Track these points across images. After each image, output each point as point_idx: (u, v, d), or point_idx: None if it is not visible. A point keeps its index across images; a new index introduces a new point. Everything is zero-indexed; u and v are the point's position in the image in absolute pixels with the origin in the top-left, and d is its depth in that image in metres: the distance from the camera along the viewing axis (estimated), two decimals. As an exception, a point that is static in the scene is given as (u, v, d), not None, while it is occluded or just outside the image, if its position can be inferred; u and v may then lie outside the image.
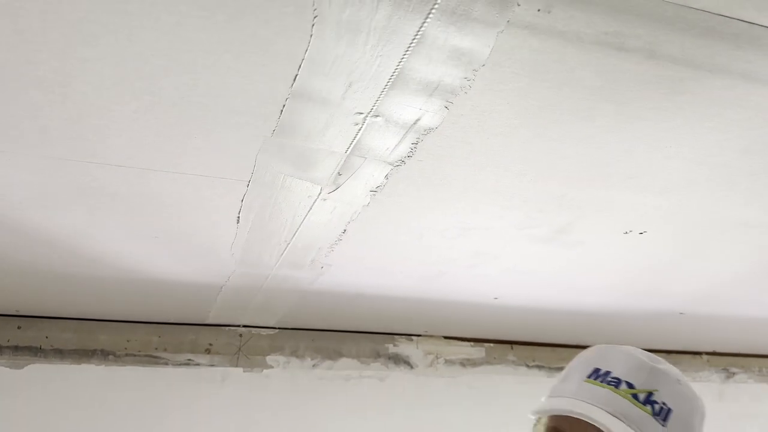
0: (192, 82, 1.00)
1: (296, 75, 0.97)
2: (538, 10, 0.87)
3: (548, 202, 1.43)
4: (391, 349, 2.56)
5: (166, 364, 2.27)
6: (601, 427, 0.94)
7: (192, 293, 1.97)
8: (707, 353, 3.13)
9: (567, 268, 1.85)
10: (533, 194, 1.39)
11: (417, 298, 2.10)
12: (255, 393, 2.35)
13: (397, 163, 1.22)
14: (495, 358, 2.71)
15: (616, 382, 1.00)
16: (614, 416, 0.96)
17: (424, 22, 0.88)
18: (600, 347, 1.08)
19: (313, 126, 1.09)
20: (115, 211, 1.42)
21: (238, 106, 1.05)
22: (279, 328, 2.43)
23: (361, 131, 1.11)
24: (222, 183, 1.29)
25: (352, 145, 1.16)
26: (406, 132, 1.12)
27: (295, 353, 2.42)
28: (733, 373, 3.17)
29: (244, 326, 2.39)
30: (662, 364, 1.04)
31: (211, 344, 2.33)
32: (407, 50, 0.93)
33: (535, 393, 1.10)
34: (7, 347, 2.12)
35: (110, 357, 2.22)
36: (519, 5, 0.86)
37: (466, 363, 2.66)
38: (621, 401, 0.98)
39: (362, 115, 1.06)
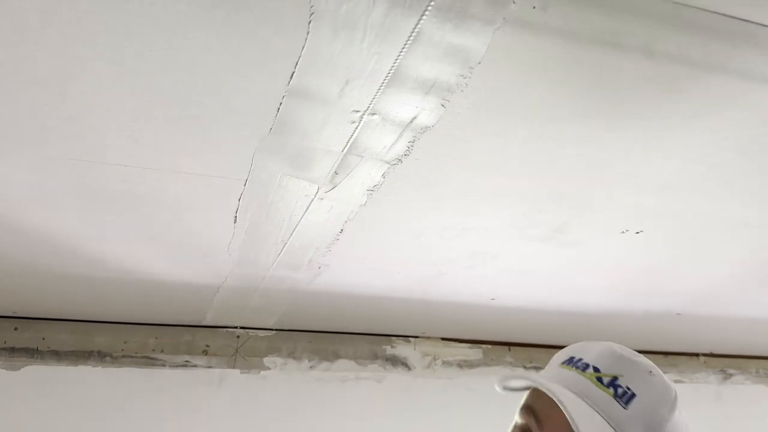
0: (190, 80, 1.00)
1: (293, 73, 0.97)
2: (534, 8, 0.88)
3: (546, 202, 1.43)
4: (389, 350, 2.56)
5: (163, 365, 2.27)
6: (553, 397, 0.97)
7: (189, 294, 1.97)
8: (704, 354, 3.14)
9: (564, 267, 1.85)
10: (531, 194, 1.39)
11: (415, 298, 2.10)
12: (252, 394, 2.35)
13: (394, 162, 1.22)
14: (492, 359, 2.71)
15: (585, 367, 1.03)
16: (573, 392, 0.99)
17: (420, 19, 0.88)
18: (584, 342, 1.11)
19: (310, 124, 1.10)
20: (113, 212, 1.41)
21: (235, 104, 1.05)
22: (276, 330, 2.43)
23: (357, 129, 1.11)
24: (219, 182, 1.29)
25: (348, 144, 1.16)
26: (403, 130, 1.12)
27: (292, 355, 2.42)
28: (731, 375, 3.17)
29: (242, 328, 2.38)
30: (636, 356, 1.06)
31: (208, 346, 2.33)
32: (404, 47, 0.93)
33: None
34: (4, 349, 2.12)
35: (107, 358, 2.21)
36: (515, 3, 0.87)
37: (463, 364, 2.66)
38: (584, 382, 1.01)
39: (359, 113, 1.07)
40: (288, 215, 1.42)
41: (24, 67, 0.96)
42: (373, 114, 1.07)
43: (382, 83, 1.00)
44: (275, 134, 1.13)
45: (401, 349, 2.58)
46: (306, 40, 0.91)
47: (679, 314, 2.37)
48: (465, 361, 2.66)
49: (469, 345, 2.69)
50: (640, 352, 1.07)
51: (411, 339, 2.61)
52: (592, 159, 1.25)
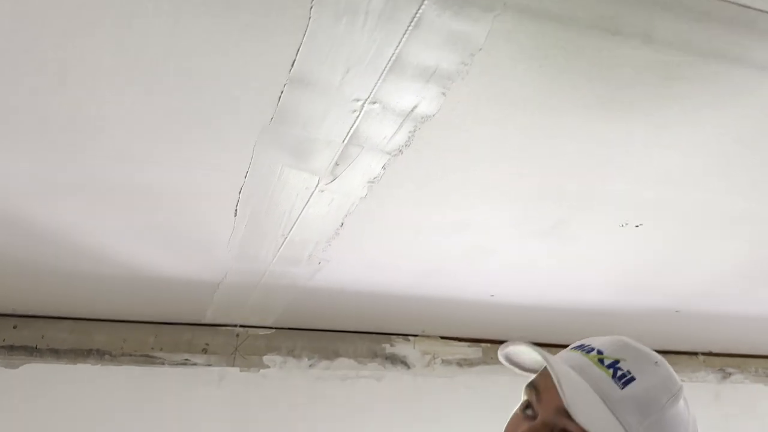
0: (191, 69, 1.00)
1: (294, 60, 0.97)
2: (534, -7, 0.88)
3: (544, 194, 1.43)
4: (388, 349, 2.56)
5: (163, 363, 2.26)
6: (547, 365, 0.99)
7: (189, 291, 1.97)
8: (703, 354, 3.14)
9: (562, 262, 1.85)
10: (530, 184, 1.39)
11: (414, 295, 2.10)
12: (252, 392, 2.35)
13: (395, 153, 1.22)
14: (492, 358, 2.71)
15: (590, 350, 1.05)
16: (571, 367, 1.01)
17: (421, 6, 0.88)
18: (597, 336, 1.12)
19: (312, 113, 1.10)
20: (113, 205, 1.41)
21: (236, 93, 1.06)
22: (276, 328, 2.43)
23: (358, 119, 1.11)
24: (220, 174, 1.30)
25: (349, 134, 1.16)
26: (404, 120, 1.12)
27: (291, 353, 2.42)
28: (730, 374, 3.17)
29: (241, 326, 2.38)
30: (644, 348, 1.08)
31: (207, 344, 2.33)
32: (404, 34, 0.93)
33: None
34: (3, 347, 2.12)
35: (106, 357, 2.21)
36: (515, -12, 0.87)
37: (463, 363, 2.66)
38: (586, 362, 1.03)
39: (360, 102, 1.07)
40: (288, 208, 1.42)
41: (23, 56, 0.96)
42: (374, 103, 1.07)
43: (383, 71, 1.00)
44: (276, 124, 1.13)
45: (401, 348, 2.58)
46: (307, 26, 0.91)
47: (678, 311, 2.37)
48: (464, 359, 2.66)
49: (468, 344, 2.69)
50: (639, 349, 1.08)
51: (410, 338, 2.61)
52: (592, 150, 1.26)
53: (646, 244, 1.73)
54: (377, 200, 1.40)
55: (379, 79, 1.02)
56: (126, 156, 1.23)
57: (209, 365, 2.32)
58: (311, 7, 0.88)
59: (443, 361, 2.63)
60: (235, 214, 1.45)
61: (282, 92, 1.04)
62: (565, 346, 1.13)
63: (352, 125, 1.13)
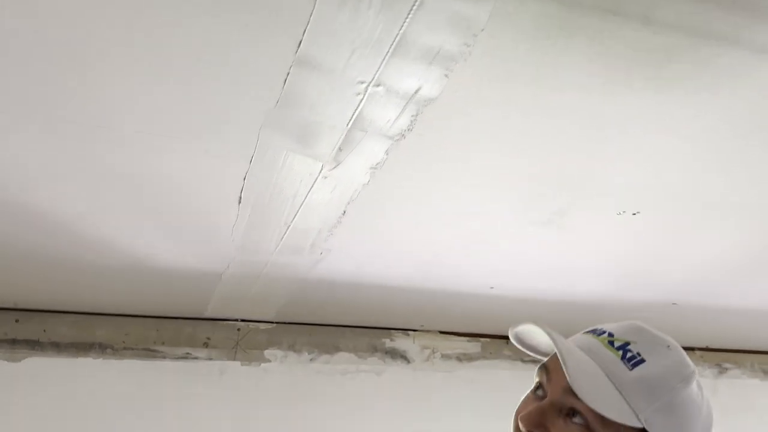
0: (199, 52, 1.01)
1: (300, 41, 0.99)
2: (537, -28, 0.90)
3: (544, 180, 1.45)
4: (388, 343, 2.57)
5: (164, 357, 2.27)
6: (553, 344, 0.99)
7: (191, 283, 1.98)
8: (700, 349, 3.15)
9: (561, 252, 1.86)
10: (530, 169, 1.40)
11: (414, 288, 2.12)
12: (253, 386, 2.35)
13: (398, 137, 1.24)
14: (491, 353, 2.73)
15: (601, 332, 1.05)
16: (579, 348, 1.02)
17: (425, -15, 0.90)
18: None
19: (317, 96, 1.11)
20: (117, 191, 1.43)
21: (242, 77, 1.07)
22: (276, 323, 2.43)
23: (362, 102, 1.13)
24: (226, 160, 1.31)
25: (353, 118, 1.17)
26: (407, 103, 1.13)
27: (292, 347, 2.43)
28: (726, 369, 3.18)
29: (242, 320, 2.39)
30: (658, 332, 1.07)
31: (209, 338, 2.34)
32: (408, 15, 0.95)
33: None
34: (5, 340, 2.12)
35: (108, 351, 2.22)
36: (518, -33, 0.89)
37: (462, 357, 2.67)
38: (596, 343, 1.03)
39: (364, 85, 1.08)
40: (292, 195, 1.43)
41: (34, 39, 0.97)
42: (378, 85, 1.09)
43: (387, 53, 1.02)
44: (281, 107, 1.14)
45: (400, 342, 2.59)
46: (314, 6, 0.93)
47: (675, 304, 2.39)
48: (464, 354, 2.68)
49: (467, 338, 2.70)
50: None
51: (410, 332, 2.62)
52: (592, 133, 1.27)
53: (644, 232, 1.75)
54: (379, 186, 1.42)
55: (383, 62, 1.04)
56: (133, 142, 1.24)
57: (210, 359, 2.32)
58: (318, -12, 0.89)
59: (443, 356, 2.64)
60: (240, 201, 1.46)
61: (288, 74, 1.06)
62: (565, 340, 1.14)
63: (356, 108, 1.15)
